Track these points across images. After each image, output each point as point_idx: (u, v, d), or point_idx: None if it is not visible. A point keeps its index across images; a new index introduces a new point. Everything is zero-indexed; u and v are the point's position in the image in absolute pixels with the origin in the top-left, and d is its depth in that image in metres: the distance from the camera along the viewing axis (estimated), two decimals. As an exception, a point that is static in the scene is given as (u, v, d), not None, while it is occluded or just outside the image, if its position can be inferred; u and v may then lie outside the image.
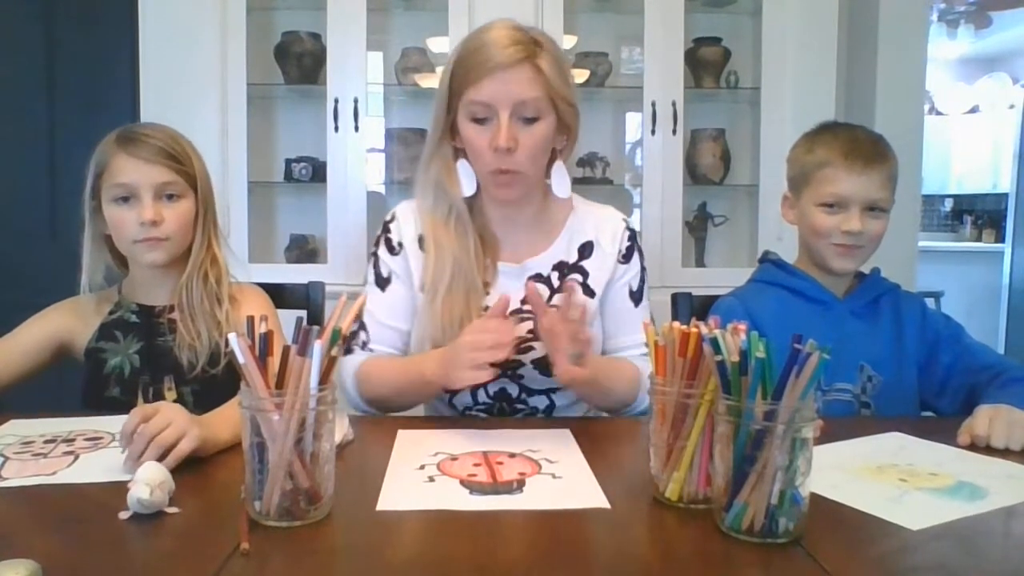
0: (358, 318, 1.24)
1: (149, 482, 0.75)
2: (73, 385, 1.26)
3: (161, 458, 0.85)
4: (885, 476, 0.90)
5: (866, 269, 1.35)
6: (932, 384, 1.29)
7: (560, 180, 1.26)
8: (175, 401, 1.20)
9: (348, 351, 1.24)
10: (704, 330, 0.76)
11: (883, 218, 1.27)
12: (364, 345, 1.26)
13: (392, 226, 1.29)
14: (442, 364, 1.08)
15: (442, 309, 1.20)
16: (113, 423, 1.06)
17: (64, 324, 1.25)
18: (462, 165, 1.23)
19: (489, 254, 1.27)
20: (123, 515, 0.75)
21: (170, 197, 1.21)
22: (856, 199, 1.24)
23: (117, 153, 1.19)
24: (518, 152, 1.16)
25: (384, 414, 1.22)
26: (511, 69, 1.14)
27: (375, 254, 1.30)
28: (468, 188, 1.23)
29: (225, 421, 0.96)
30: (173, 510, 0.76)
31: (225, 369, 1.21)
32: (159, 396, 1.21)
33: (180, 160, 1.21)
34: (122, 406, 1.19)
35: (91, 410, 1.19)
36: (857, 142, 1.27)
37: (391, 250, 1.28)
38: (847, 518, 0.77)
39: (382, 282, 1.28)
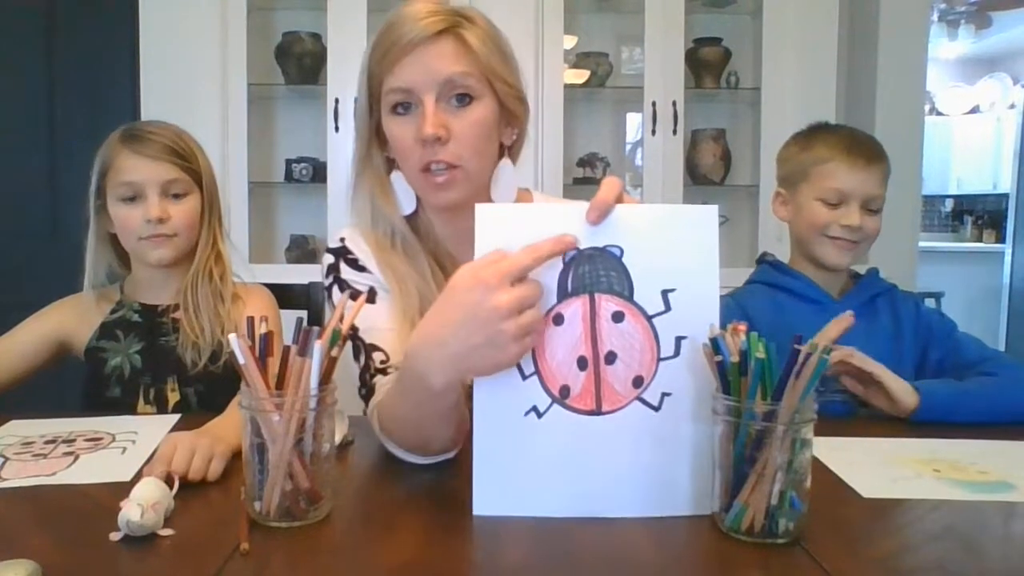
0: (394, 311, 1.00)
1: (142, 502, 0.70)
2: (74, 385, 1.26)
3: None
4: (923, 466, 0.91)
5: (863, 269, 1.35)
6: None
7: (504, 183, 1.02)
8: (178, 402, 1.21)
9: (370, 393, 0.97)
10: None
11: (878, 217, 1.29)
12: (385, 369, 0.97)
13: (350, 246, 1.06)
14: (455, 360, 0.72)
15: None
16: (113, 424, 1.07)
17: (64, 323, 1.25)
18: (396, 179, 1.02)
19: (448, 281, 1.05)
20: (114, 536, 0.69)
21: (176, 196, 1.21)
22: (856, 194, 1.26)
23: (122, 151, 1.19)
24: (451, 142, 0.95)
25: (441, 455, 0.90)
26: (430, 43, 0.94)
27: (338, 280, 1.05)
28: (407, 205, 1.03)
29: (230, 427, 0.92)
30: (166, 532, 0.71)
31: (228, 368, 1.20)
32: (161, 397, 1.21)
33: (186, 157, 1.21)
34: (123, 407, 1.19)
35: (92, 410, 1.19)
36: (857, 139, 1.29)
37: (360, 269, 1.04)
38: (846, 516, 0.77)
39: (368, 297, 1.00)
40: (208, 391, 1.21)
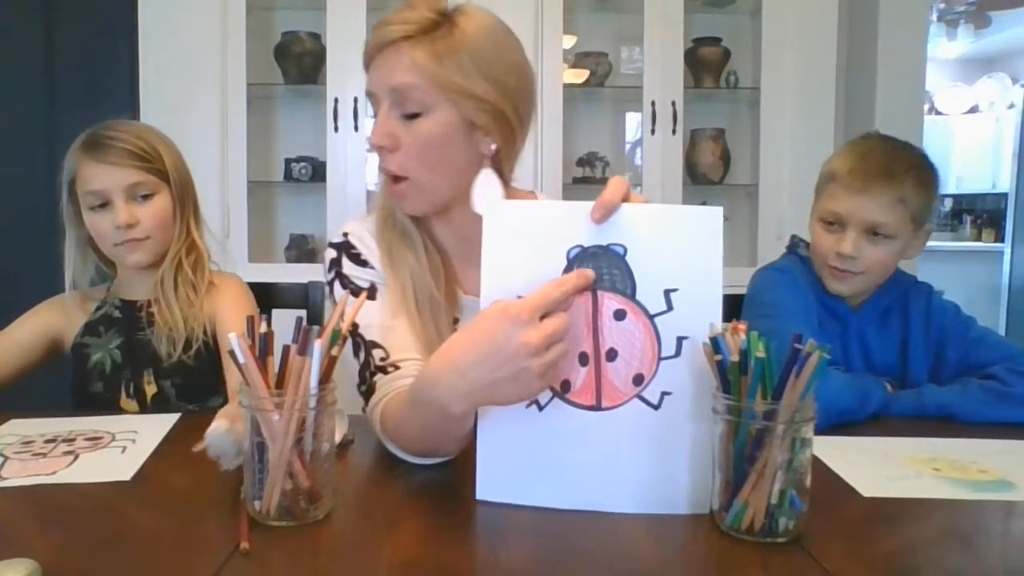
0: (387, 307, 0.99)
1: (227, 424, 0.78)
2: (67, 381, 1.26)
3: None
4: (923, 465, 0.91)
5: None
6: (943, 384, 1.21)
7: (480, 193, 0.97)
8: (155, 395, 1.21)
9: (370, 391, 0.94)
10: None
11: (887, 244, 1.19)
12: (384, 367, 0.94)
13: (354, 241, 1.05)
14: (476, 391, 0.72)
15: (421, 335, 0.97)
16: (113, 423, 1.07)
17: (52, 321, 1.26)
18: None
19: (447, 278, 1.04)
20: (197, 447, 0.78)
21: (144, 197, 1.20)
22: (853, 219, 1.18)
23: (84, 160, 1.19)
24: (399, 152, 0.95)
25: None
26: (387, 50, 0.94)
27: (340, 275, 1.04)
28: None
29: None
30: (232, 464, 0.78)
31: (201, 360, 1.20)
32: (140, 390, 1.21)
33: (148, 158, 1.21)
34: (105, 402, 1.21)
35: (77, 406, 1.20)
36: (867, 158, 1.19)
37: (362, 264, 1.04)
38: (846, 515, 0.77)
39: (368, 293, 0.99)
40: (185, 383, 1.21)
